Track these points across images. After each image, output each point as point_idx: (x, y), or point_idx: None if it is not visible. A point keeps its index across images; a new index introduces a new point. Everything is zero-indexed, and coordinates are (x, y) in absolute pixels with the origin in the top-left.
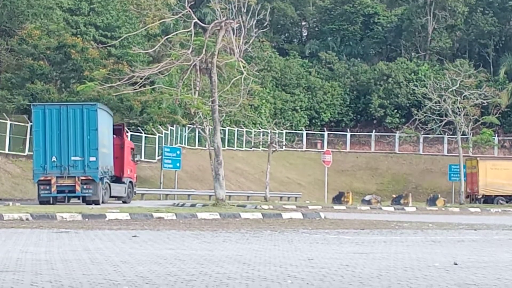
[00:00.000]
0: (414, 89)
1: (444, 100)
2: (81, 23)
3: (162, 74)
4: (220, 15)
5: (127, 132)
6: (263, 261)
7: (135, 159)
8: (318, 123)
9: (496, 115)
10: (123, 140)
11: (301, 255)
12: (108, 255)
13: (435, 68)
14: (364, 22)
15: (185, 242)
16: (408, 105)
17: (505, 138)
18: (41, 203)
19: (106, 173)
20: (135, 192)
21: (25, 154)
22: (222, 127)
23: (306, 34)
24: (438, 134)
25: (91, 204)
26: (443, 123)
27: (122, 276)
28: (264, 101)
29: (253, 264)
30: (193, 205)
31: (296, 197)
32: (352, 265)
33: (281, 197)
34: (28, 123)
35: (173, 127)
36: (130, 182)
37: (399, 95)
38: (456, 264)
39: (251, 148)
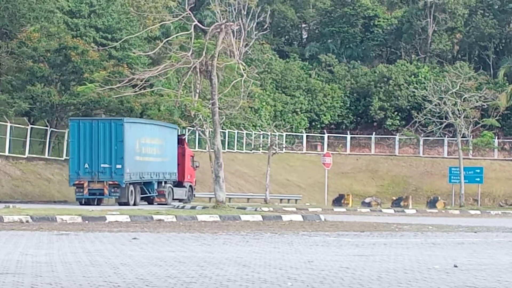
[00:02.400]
0: (414, 92)
1: (444, 103)
2: (81, 26)
3: (162, 77)
4: (220, 18)
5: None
6: (263, 264)
7: (194, 165)
8: (318, 126)
9: (496, 118)
10: (184, 149)
11: (301, 258)
12: (108, 257)
13: (435, 70)
14: (364, 24)
15: (185, 244)
16: (408, 107)
17: (505, 140)
18: (81, 203)
19: (169, 178)
20: (194, 195)
21: (25, 156)
22: (222, 129)
23: (306, 36)
24: (438, 137)
25: (122, 205)
26: (443, 125)
27: (122, 278)
28: (264, 103)
29: (253, 266)
30: (193, 208)
31: (296, 200)
32: (352, 267)
33: (281, 199)
34: (28, 125)
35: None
36: (190, 186)
37: (399, 98)
38: (456, 266)
39: (251, 150)
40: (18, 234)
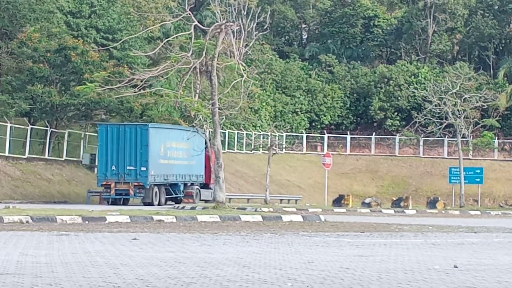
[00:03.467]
0: (414, 92)
1: (444, 103)
2: (82, 26)
3: (162, 77)
4: (220, 18)
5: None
6: (263, 264)
7: None
8: (318, 126)
9: (496, 118)
10: (210, 153)
11: (301, 258)
12: (108, 258)
13: (435, 70)
14: (364, 24)
15: (185, 245)
16: (408, 107)
17: (505, 141)
18: (108, 203)
19: (196, 180)
20: None
21: (25, 157)
22: (222, 129)
23: (306, 36)
24: (438, 137)
25: (147, 205)
26: (443, 125)
27: (122, 279)
28: (264, 103)
29: (253, 267)
30: (193, 208)
31: (296, 200)
32: (352, 268)
33: (281, 200)
34: (28, 126)
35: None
36: None
37: (399, 98)
38: (456, 267)
39: (251, 150)
40: (18, 235)
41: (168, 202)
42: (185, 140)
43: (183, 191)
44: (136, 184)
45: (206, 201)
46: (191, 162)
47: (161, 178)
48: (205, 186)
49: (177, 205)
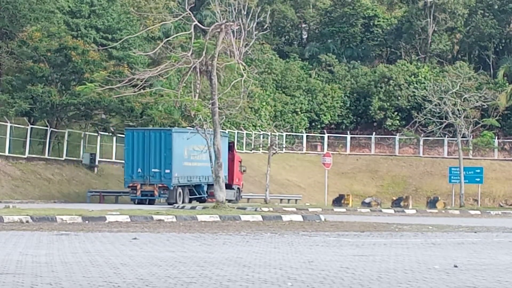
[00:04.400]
0: (414, 92)
1: (444, 103)
2: (81, 26)
3: (162, 77)
4: (220, 18)
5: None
6: (263, 264)
7: (242, 169)
8: (318, 126)
9: (496, 118)
10: (233, 155)
11: (301, 258)
12: (108, 258)
13: (435, 70)
14: (364, 24)
15: (185, 245)
16: (408, 107)
17: (505, 140)
18: (135, 203)
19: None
20: (241, 196)
21: (25, 156)
22: (222, 129)
23: (306, 36)
24: (438, 137)
25: (171, 204)
26: (443, 125)
27: (122, 279)
28: (264, 103)
29: (253, 266)
30: (193, 208)
31: (296, 200)
32: (352, 267)
33: (281, 200)
34: (28, 126)
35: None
36: (238, 188)
37: (399, 98)
38: (456, 266)
39: (251, 150)
40: (18, 234)
41: (193, 202)
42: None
43: (207, 191)
44: (160, 185)
45: (229, 200)
46: (184, 163)
47: (185, 180)
48: (228, 186)
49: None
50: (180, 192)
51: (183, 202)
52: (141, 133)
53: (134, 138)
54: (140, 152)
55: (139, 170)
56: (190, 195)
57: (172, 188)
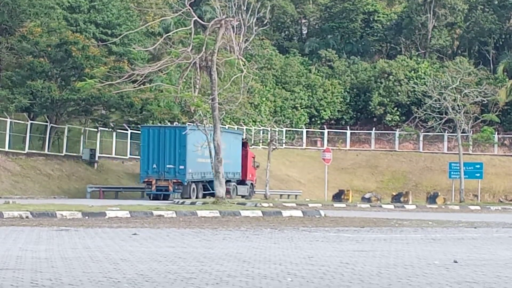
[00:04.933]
0: (414, 87)
1: (444, 98)
2: (80, 21)
3: (162, 72)
4: (220, 13)
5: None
6: (263, 259)
7: (255, 165)
8: (318, 121)
9: (496, 113)
10: (246, 151)
11: (301, 253)
12: (108, 253)
13: (435, 66)
14: (364, 19)
15: (185, 240)
16: (408, 103)
17: (505, 136)
18: (150, 198)
19: (233, 177)
20: (254, 192)
21: (25, 152)
22: (222, 125)
23: (306, 32)
24: (438, 132)
25: (185, 199)
26: (443, 121)
27: (122, 274)
28: (264, 99)
29: (253, 262)
30: (193, 203)
31: (296, 195)
32: (352, 263)
33: (281, 195)
34: (28, 121)
35: (173, 125)
36: (251, 184)
37: (399, 93)
38: (456, 262)
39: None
40: (18, 230)
41: (208, 197)
42: (222, 140)
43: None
44: (175, 181)
45: (242, 196)
46: (228, 160)
47: (199, 176)
48: (241, 182)
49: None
50: (194, 188)
51: (196, 197)
52: (156, 130)
53: (150, 135)
54: (155, 149)
55: (154, 166)
56: (204, 191)
57: (186, 183)
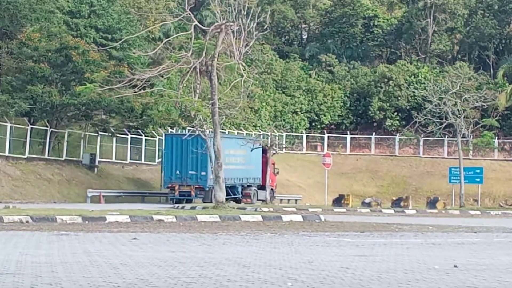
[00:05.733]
0: (414, 92)
1: (444, 103)
2: (81, 26)
3: (162, 77)
4: (220, 18)
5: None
6: (263, 264)
7: (275, 171)
8: (318, 126)
9: (496, 118)
10: (267, 158)
11: (301, 258)
12: (108, 258)
13: (435, 70)
14: (364, 24)
15: (185, 245)
16: (408, 107)
17: (505, 140)
18: (173, 202)
19: (254, 182)
20: (275, 197)
21: (25, 156)
22: (222, 129)
23: (306, 36)
24: (438, 137)
25: (207, 203)
26: (443, 125)
27: (122, 279)
28: (264, 103)
29: (253, 266)
30: (193, 208)
31: (296, 200)
32: (352, 267)
33: (281, 200)
34: (28, 126)
35: (173, 129)
36: (272, 189)
37: (399, 98)
38: (456, 266)
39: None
40: (18, 235)
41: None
42: (242, 147)
43: (241, 192)
44: (197, 186)
45: (262, 201)
46: (248, 166)
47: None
48: (262, 187)
49: (236, 205)
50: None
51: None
52: (179, 138)
53: (173, 142)
54: (178, 156)
55: (177, 172)
56: (225, 196)
57: (207, 189)
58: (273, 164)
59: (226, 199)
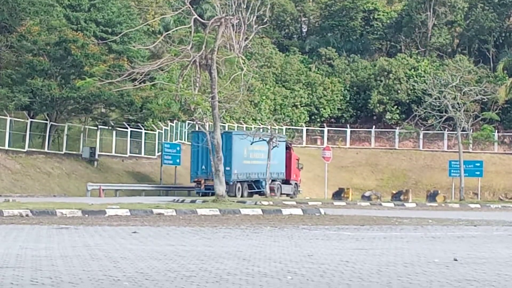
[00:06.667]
0: (414, 85)
1: (444, 96)
2: (81, 19)
3: (162, 70)
4: (220, 11)
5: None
6: (263, 257)
7: (299, 167)
8: (318, 119)
9: (496, 111)
10: (290, 153)
11: (301, 251)
12: (108, 251)
13: (435, 64)
14: (364, 18)
15: (185, 238)
16: (408, 101)
17: (505, 134)
18: (199, 196)
19: (277, 177)
20: (299, 191)
21: (25, 150)
22: (222, 123)
23: (306, 30)
24: (438, 130)
25: (231, 197)
26: (443, 119)
27: (122, 272)
28: (264, 97)
29: (253, 260)
30: (193, 201)
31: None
32: (352, 261)
33: (281, 193)
34: (27, 119)
35: (172, 123)
36: (296, 183)
37: (399, 91)
38: (456, 260)
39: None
40: (17, 228)
41: (254, 196)
42: (266, 144)
43: (265, 186)
44: None
45: (287, 195)
46: (272, 162)
47: (244, 176)
48: (286, 182)
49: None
50: (239, 187)
51: (242, 195)
52: (205, 135)
53: (199, 138)
54: (204, 152)
55: (203, 167)
56: (249, 190)
57: (231, 183)
58: (297, 159)
59: (251, 193)
